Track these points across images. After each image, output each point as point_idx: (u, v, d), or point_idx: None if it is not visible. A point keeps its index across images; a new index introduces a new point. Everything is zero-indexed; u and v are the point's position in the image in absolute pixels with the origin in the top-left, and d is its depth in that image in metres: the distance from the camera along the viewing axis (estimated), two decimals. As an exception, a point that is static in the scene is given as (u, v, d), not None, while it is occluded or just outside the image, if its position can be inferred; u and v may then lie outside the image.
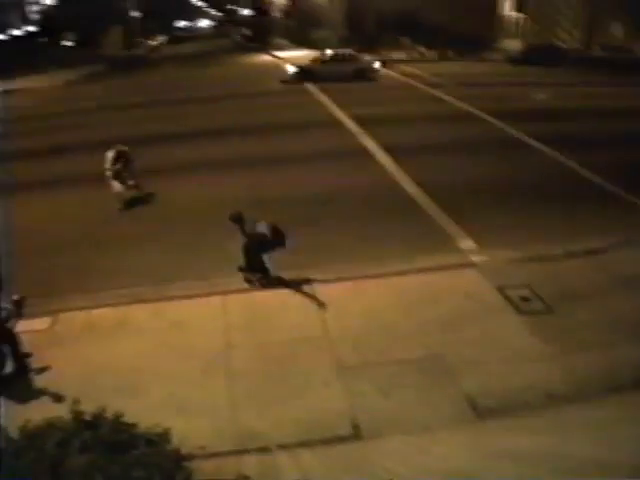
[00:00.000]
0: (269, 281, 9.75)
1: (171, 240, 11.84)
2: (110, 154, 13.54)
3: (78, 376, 7.69)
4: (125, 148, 13.80)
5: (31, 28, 79.86)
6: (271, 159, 16.92)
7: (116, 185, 13.54)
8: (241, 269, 9.91)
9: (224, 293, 9.62)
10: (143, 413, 6.08)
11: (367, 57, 35.05)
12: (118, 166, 13.47)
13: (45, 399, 7.29)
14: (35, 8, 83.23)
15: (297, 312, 9.06)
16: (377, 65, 33.56)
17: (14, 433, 5.51)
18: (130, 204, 13.76)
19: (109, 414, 5.69)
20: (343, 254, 10.83)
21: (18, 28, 78.20)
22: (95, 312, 9.31)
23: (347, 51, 34.55)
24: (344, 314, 8.90)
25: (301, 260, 10.17)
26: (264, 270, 9.72)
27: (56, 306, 9.47)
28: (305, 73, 32.39)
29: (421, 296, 9.35)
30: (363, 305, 9.15)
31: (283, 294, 9.57)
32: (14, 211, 12.09)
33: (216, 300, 9.46)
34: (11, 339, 7.81)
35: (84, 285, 10.12)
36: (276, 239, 9.43)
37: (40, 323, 9.15)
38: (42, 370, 7.89)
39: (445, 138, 18.54)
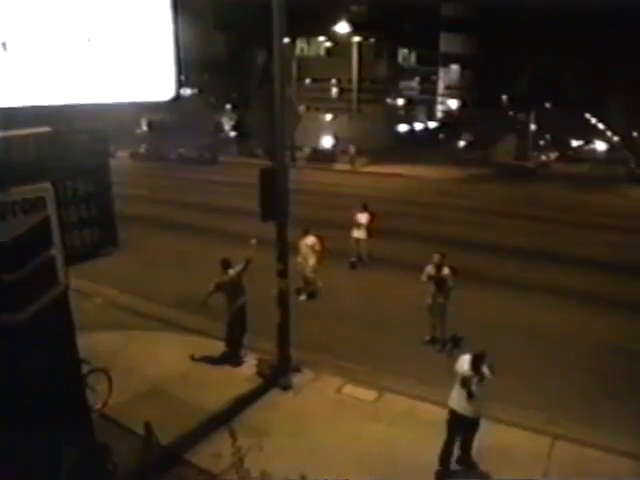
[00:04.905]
0: None
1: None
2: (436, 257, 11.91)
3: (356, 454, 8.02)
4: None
5: (433, 124, 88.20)
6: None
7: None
8: None
9: (554, 435, 8.75)
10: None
11: None
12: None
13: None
14: (441, 107, 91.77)
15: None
16: None
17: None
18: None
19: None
20: None
21: (423, 122, 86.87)
22: (419, 404, 9.46)
23: None
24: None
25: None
26: None
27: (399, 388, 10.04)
28: None
29: None
30: None
31: (617, 461, 8.27)
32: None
33: (544, 440, 8.65)
34: None
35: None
36: None
37: (367, 393, 9.99)
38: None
39: None
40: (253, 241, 10.70)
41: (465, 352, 7.97)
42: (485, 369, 7.50)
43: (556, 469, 8.04)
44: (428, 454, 7.85)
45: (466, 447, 7.94)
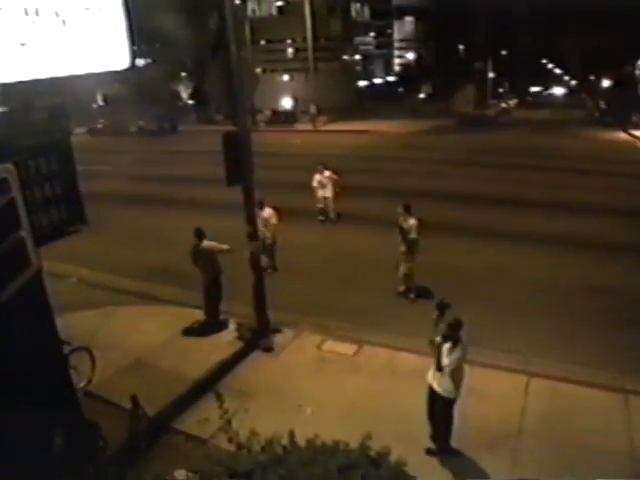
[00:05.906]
0: None
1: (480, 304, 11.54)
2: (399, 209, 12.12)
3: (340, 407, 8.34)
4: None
5: (391, 78, 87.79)
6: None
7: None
8: None
9: (530, 374, 9.12)
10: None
11: None
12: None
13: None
14: (398, 61, 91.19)
15: (606, 418, 8.09)
16: None
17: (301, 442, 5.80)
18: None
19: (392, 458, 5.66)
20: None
21: (381, 77, 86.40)
22: (398, 354, 9.75)
23: None
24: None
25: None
26: None
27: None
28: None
29: None
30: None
31: (591, 393, 8.69)
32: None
33: (520, 379, 9.01)
34: None
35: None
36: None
37: (347, 348, 10.21)
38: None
39: None
40: (225, 246, 10.69)
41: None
42: (462, 334, 6.85)
43: (534, 405, 8.38)
44: (410, 402, 8.07)
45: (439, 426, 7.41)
